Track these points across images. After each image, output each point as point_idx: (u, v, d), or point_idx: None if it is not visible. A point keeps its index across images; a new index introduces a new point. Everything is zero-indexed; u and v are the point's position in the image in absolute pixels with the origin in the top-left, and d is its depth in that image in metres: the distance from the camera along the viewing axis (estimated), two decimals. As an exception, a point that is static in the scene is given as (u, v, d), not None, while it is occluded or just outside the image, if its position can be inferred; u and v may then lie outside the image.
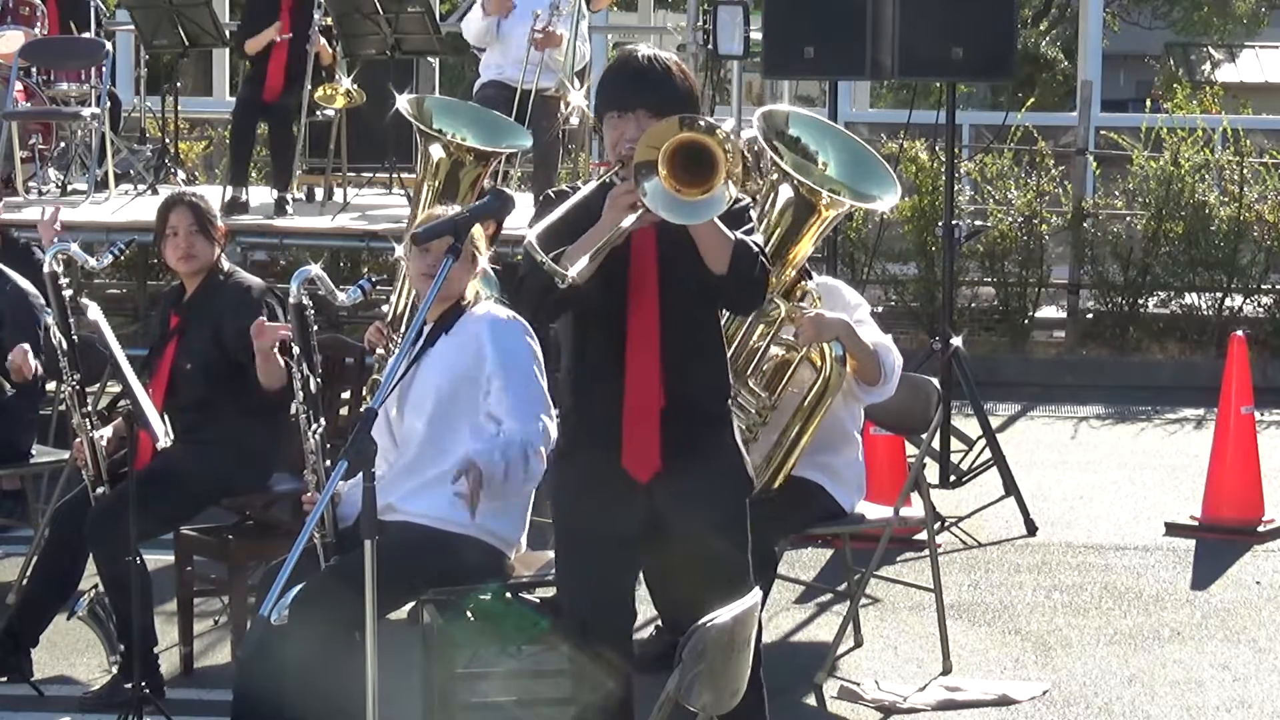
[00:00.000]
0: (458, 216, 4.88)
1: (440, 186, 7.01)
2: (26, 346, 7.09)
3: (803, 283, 6.33)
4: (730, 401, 4.95)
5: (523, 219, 10.22)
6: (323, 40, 10.94)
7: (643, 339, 4.74)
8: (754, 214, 4.87)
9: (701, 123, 4.53)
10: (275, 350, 6.22)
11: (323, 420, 5.71)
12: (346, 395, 7.17)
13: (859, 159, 6.48)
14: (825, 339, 6.15)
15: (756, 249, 4.67)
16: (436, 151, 7.07)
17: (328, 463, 5.57)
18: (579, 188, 4.87)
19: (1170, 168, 13.28)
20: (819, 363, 6.22)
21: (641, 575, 5.23)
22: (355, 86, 10.98)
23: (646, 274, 4.74)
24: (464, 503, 5.20)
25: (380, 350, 6.74)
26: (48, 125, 12.08)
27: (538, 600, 5.58)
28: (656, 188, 4.49)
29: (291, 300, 5.76)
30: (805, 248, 6.31)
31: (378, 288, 6.32)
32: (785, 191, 6.24)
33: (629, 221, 4.58)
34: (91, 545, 6.31)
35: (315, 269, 5.90)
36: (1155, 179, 13.35)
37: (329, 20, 11.05)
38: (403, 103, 7.32)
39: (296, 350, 5.75)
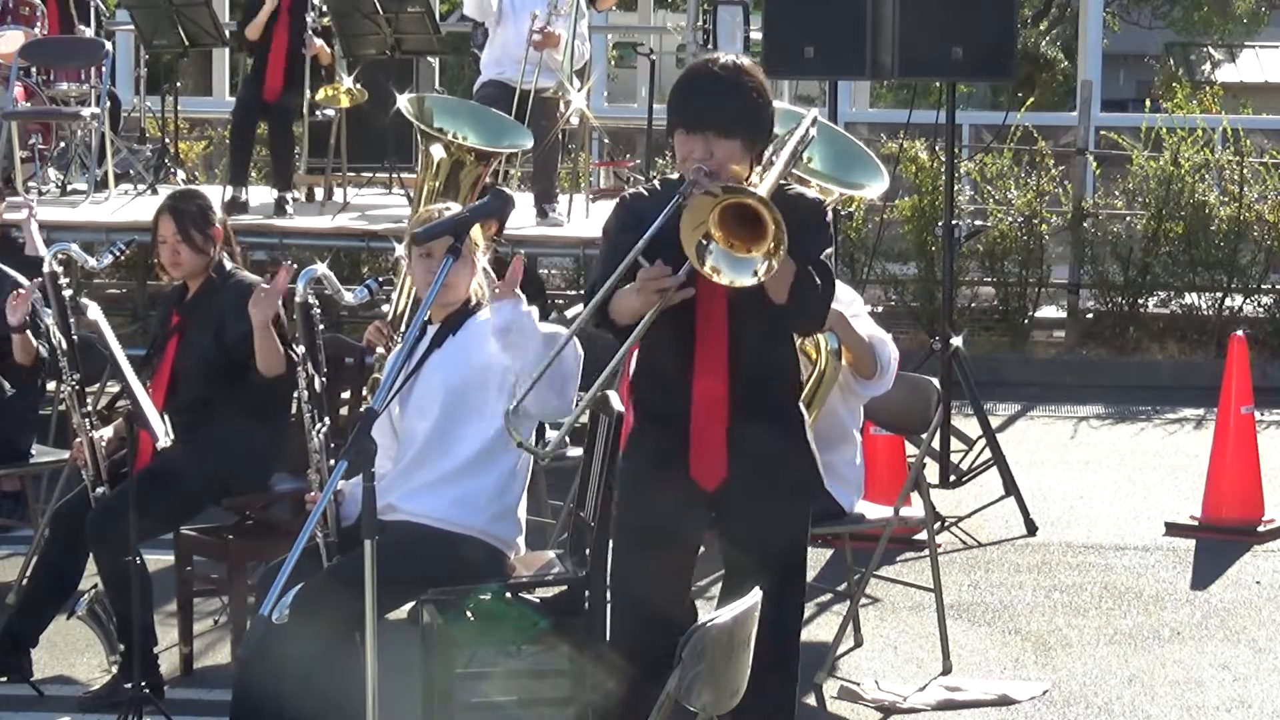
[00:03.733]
0: (458, 216, 4.88)
1: (441, 187, 7.01)
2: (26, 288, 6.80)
3: None
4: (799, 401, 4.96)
5: (524, 218, 10.25)
6: (319, 41, 10.94)
7: (711, 355, 4.74)
8: (829, 218, 4.86)
9: (735, 188, 4.50)
10: (274, 333, 6.22)
11: (327, 419, 5.71)
12: (346, 395, 7.17)
13: (842, 152, 6.52)
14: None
15: (817, 273, 4.64)
16: (437, 152, 7.07)
17: (331, 462, 5.57)
18: (655, 188, 4.87)
19: (1170, 168, 13.28)
20: (814, 355, 6.23)
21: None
22: (358, 86, 10.98)
23: (715, 292, 4.67)
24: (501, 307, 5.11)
25: (380, 350, 6.74)
26: (48, 125, 12.08)
27: (538, 600, 5.59)
28: (718, 251, 4.49)
29: (298, 299, 5.76)
30: None
31: (383, 288, 6.33)
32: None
33: (655, 309, 4.60)
34: (91, 545, 6.30)
35: (322, 268, 5.90)
36: (1155, 179, 13.35)
37: (326, 20, 11.05)
38: (403, 103, 7.31)
39: (302, 349, 5.76)
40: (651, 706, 4.68)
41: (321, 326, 5.83)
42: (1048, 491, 9.56)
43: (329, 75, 11.17)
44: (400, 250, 6.36)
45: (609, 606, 5.19)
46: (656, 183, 4.96)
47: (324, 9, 11.04)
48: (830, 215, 4.88)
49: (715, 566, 5.15)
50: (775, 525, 4.83)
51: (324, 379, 5.75)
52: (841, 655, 6.84)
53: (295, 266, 6.04)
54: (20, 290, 6.73)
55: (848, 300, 6.40)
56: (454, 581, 5.43)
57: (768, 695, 4.70)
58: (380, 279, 6.11)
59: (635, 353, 4.87)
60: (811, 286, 4.63)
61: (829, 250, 4.74)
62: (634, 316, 4.65)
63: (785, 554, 4.86)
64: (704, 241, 4.48)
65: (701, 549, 5.13)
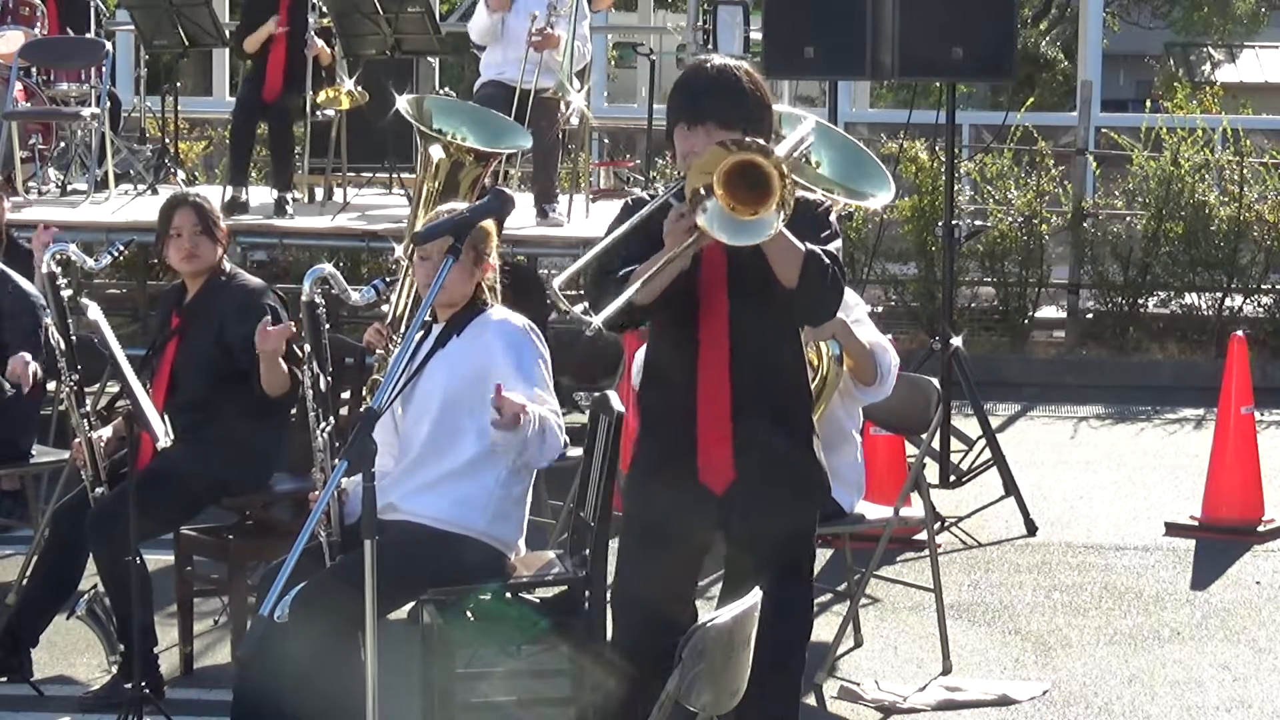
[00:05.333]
0: (457, 217, 4.88)
1: (440, 187, 7.01)
2: (27, 357, 7.08)
3: None
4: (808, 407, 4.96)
5: (524, 218, 10.24)
6: (320, 42, 10.95)
7: (714, 352, 4.74)
8: (834, 218, 4.85)
9: (751, 144, 4.51)
10: (280, 357, 6.23)
11: (331, 419, 5.71)
12: (346, 395, 7.17)
13: (852, 158, 6.50)
14: (822, 337, 6.16)
15: (829, 260, 4.62)
16: (436, 152, 7.07)
17: (334, 461, 5.57)
18: (658, 193, 4.87)
19: (1170, 168, 13.29)
20: (816, 362, 6.24)
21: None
22: (358, 88, 10.99)
23: (716, 287, 4.71)
24: (498, 430, 5.12)
25: (380, 351, 6.74)
26: (48, 125, 12.08)
27: (538, 600, 5.59)
28: (715, 208, 4.48)
29: (304, 298, 5.76)
30: None
31: (390, 288, 6.34)
32: None
33: (685, 246, 4.55)
34: (91, 545, 6.31)
35: (328, 267, 5.90)
36: (1155, 179, 13.35)
37: (325, 21, 11.06)
38: (403, 103, 7.31)
39: (307, 348, 5.76)
40: (652, 706, 4.69)
41: (327, 325, 5.83)
42: (1048, 491, 9.56)
43: (329, 76, 11.17)
44: (399, 251, 6.36)
45: (610, 606, 5.19)
46: (658, 189, 4.96)
47: (324, 9, 11.05)
48: (834, 215, 4.88)
49: (715, 566, 5.15)
50: (780, 527, 4.83)
51: (329, 378, 5.75)
52: (841, 655, 6.84)
53: (300, 320, 5.98)
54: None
55: (850, 304, 6.40)
56: (454, 581, 5.44)
57: (769, 697, 4.70)
58: (388, 279, 6.11)
59: (639, 358, 4.85)
60: (822, 270, 4.59)
61: (838, 244, 4.73)
62: (662, 287, 4.61)
63: (788, 556, 4.86)
64: (703, 192, 4.46)
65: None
